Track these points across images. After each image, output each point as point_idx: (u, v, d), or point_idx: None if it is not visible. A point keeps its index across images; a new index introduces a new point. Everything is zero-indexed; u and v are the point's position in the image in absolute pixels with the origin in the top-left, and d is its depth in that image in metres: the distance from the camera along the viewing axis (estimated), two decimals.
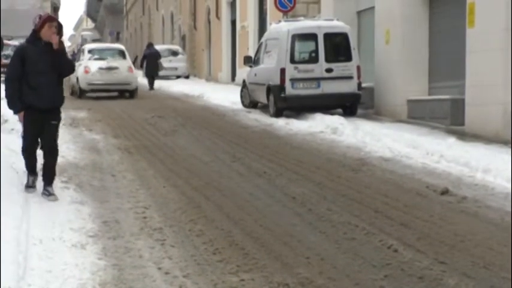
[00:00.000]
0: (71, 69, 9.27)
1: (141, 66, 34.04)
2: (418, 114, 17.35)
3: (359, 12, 22.24)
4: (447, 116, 16.15)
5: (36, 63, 8.70)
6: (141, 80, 31.93)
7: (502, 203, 8.81)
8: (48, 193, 8.87)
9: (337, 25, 19.21)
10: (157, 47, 42.87)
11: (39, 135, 8.89)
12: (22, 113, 8.83)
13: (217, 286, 5.86)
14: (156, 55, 33.51)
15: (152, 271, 6.26)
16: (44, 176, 9.01)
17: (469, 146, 12.76)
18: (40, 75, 8.71)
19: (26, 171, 9.23)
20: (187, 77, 40.48)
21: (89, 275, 6.01)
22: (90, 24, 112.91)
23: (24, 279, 5.63)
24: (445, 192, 9.38)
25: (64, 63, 8.92)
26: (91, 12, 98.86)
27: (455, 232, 7.47)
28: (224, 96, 24.72)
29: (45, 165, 9.03)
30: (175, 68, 40.27)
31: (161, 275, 6.17)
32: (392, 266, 6.38)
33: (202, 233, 7.55)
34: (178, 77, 39.73)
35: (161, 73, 35.12)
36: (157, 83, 32.99)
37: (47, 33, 8.73)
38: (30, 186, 9.13)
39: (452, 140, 13.52)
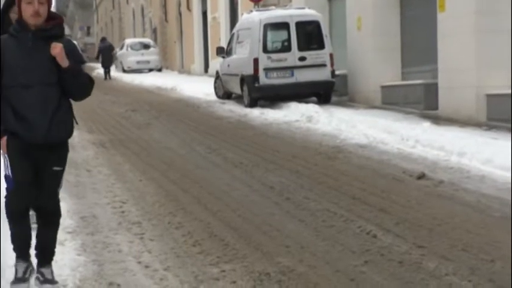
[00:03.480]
0: (87, 88, 5.43)
1: (97, 58, 38.06)
2: (392, 100, 17.41)
3: (330, 0, 22.24)
4: (421, 100, 16.22)
5: (21, 69, 5.22)
6: (101, 71, 36.78)
7: (477, 186, 8.86)
8: (42, 278, 5.49)
9: (309, 13, 19.21)
10: (129, 41, 42.88)
11: (34, 182, 5.31)
12: (4, 139, 5.33)
13: (198, 278, 5.85)
14: (110, 48, 37.39)
15: (132, 265, 6.24)
16: (38, 251, 5.55)
17: (444, 130, 12.82)
18: (27, 91, 5.20)
19: (14, 254, 5.51)
20: (159, 69, 40.36)
21: (69, 271, 5.97)
22: None
23: (5, 277, 5.59)
24: (421, 176, 9.42)
25: (73, 76, 5.27)
26: (60, 7, 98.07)
27: (433, 216, 7.50)
28: (197, 88, 24.67)
29: (40, 236, 5.51)
30: (148, 61, 40.15)
31: (141, 268, 6.15)
32: (372, 251, 6.40)
33: (181, 225, 7.53)
34: (150, 70, 39.62)
35: (134, 66, 37.51)
36: (130, 77, 33.04)
37: (27, 11, 5.23)
38: (20, 280, 5.46)
39: (426, 125, 13.60)
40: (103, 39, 39.69)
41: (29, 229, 5.41)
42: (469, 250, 6.29)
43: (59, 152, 5.39)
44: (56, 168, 5.39)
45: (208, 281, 5.76)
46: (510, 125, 12.76)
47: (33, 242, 5.52)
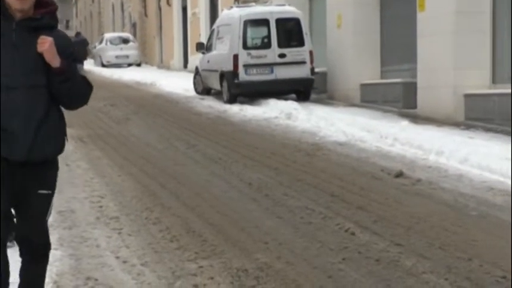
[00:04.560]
0: (83, 94, 4.39)
1: None
2: (371, 98, 17.46)
3: None
4: (399, 99, 16.28)
5: (2, 67, 4.15)
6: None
7: (455, 185, 8.91)
8: None
9: (289, 10, 19.22)
10: (108, 35, 42.78)
11: (15, 208, 4.35)
12: None
13: (176, 273, 5.84)
14: (85, 43, 36.53)
15: (110, 260, 6.22)
16: None
17: (422, 129, 12.89)
18: (8, 95, 4.14)
19: None
20: (139, 64, 40.25)
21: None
22: None
23: None
24: (399, 174, 9.46)
25: (65, 80, 4.22)
26: None
27: (411, 214, 7.54)
28: (177, 84, 24.61)
29: (25, 275, 4.46)
30: (127, 56, 40.04)
31: (119, 263, 6.13)
32: (350, 249, 6.41)
33: (159, 220, 7.51)
34: (129, 64, 39.51)
35: (113, 61, 37.49)
36: (109, 71, 32.96)
37: None
38: None
39: (405, 123, 13.66)
40: (77, 34, 39.70)
41: (6, 265, 4.31)
42: (446, 248, 6.33)
43: (45, 172, 4.28)
44: (42, 191, 4.28)
45: (186, 277, 5.75)
46: (488, 125, 12.85)
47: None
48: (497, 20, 13.89)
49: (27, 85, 4.14)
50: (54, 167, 4.36)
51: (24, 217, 4.32)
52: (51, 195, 4.38)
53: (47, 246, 4.46)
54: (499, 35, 13.88)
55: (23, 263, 4.42)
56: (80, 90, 4.30)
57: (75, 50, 4.42)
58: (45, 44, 4.12)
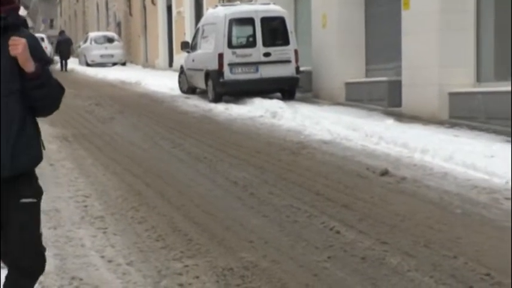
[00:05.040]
0: (56, 99, 3.94)
1: (56, 51, 38.37)
2: (356, 97, 17.49)
3: None
4: (384, 97, 16.31)
5: None
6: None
7: (440, 183, 8.94)
8: None
9: (274, 9, 19.23)
10: (93, 34, 42.67)
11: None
12: None
13: (161, 273, 5.83)
14: (68, 42, 37.97)
15: (95, 260, 6.20)
16: None
17: (407, 127, 12.92)
18: None
19: None
20: (123, 63, 40.15)
21: None
22: (22, 11, 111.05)
23: None
24: (384, 173, 9.48)
25: (41, 85, 3.80)
26: None
27: (396, 212, 7.55)
28: (162, 83, 24.58)
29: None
30: (112, 55, 39.92)
31: (104, 263, 6.11)
32: (335, 247, 6.42)
33: (144, 220, 7.50)
34: (114, 64, 39.40)
35: (98, 60, 37.87)
36: (94, 71, 32.92)
37: None
38: None
39: (390, 122, 13.69)
40: (61, 33, 40.39)
41: None
42: (431, 246, 6.34)
43: (24, 181, 3.85)
44: (24, 200, 3.84)
45: (172, 276, 5.74)
46: (473, 123, 12.90)
47: None
48: (481, 19, 13.95)
49: (1, 93, 3.72)
50: (33, 176, 3.94)
51: (7, 236, 3.83)
52: (37, 204, 3.93)
53: (40, 256, 4.00)
54: (483, 34, 13.94)
55: (9, 279, 3.97)
56: (53, 96, 3.88)
57: (45, 51, 4.00)
58: (19, 47, 3.64)
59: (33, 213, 3.91)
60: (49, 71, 3.84)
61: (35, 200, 3.90)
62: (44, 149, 3.99)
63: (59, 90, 3.91)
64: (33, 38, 3.83)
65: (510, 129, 11.92)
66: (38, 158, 3.90)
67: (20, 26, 3.83)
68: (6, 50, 3.68)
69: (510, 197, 7.99)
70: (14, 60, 3.68)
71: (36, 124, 3.91)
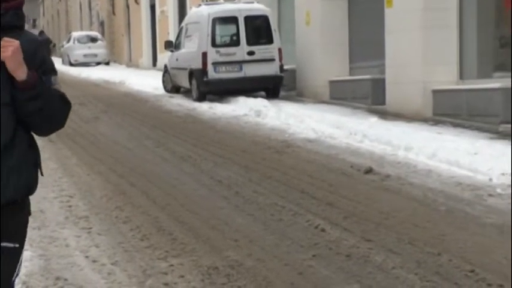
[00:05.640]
0: (59, 115, 3.25)
1: None
2: (340, 95, 17.51)
3: None
4: (368, 95, 16.35)
5: None
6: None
7: (424, 180, 8.97)
8: None
9: (258, 8, 19.23)
10: (76, 34, 42.60)
11: None
12: None
13: (146, 272, 5.82)
14: (48, 41, 37.34)
15: (79, 260, 6.18)
16: None
17: (391, 125, 12.95)
18: None
19: None
20: (107, 63, 40.07)
21: None
22: None
23: None
24: (369, 171, 9.50)
25: (34, 98, 3.13)
26: None
27: (380, 210, 7.57)
28: (146, 82, 24.54)
29: None
30: (95, 55, 39.84)
31: (89, 263, 6.10)
32: (320, 245, 6.43)
33: (129, 219, 7.48)
34: (98, 63, 39.31)
35: (81, 60, 37.49)
36: (77, 70, 32.82)
37: None
38: None
39: (374, 120, 13.71)
40: (41, 33, 40.04)
41: None
42: (415, 243, 6.36)
43: (11, 218, 3.14)
44: (6, 244, 3.11)
45: (157, 275, 5.74)
46: (456, 120, 12.95)
47: None
48: (464, 16, 14.00)
49: None
50: (22, 211, 3.23)
51: None
52: (19, 249, 3.19)
53: None
54: (465, 31, 13.99)
55: None
56: (54, 111, 3.17)
57: (49, 58, 3.31)
58: (8, 50, 3.03)
59: (10, 261, 3.13)
60: (50, 81, 3.18)
61: (17, 245, 3.16)
62: (42, 174, 3.30)
63: (62, 105, 3.21)
64: (33, 42, 3.23)
65: (493, 126, 11.98)
66: (31, 186, 3.18)
67: (20, 28, 3.23)
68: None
69: (494, 194, 8.04)
70: (5, 69, 3.06)
71: (31, 143, 3.22)
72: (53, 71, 3.25)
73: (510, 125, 11.47)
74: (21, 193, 3.17)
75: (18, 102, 3.10)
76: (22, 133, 3.16)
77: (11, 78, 3.07)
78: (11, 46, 3.05)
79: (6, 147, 3.09)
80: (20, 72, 3.07)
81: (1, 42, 3.04)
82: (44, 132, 3.31)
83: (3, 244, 3.10)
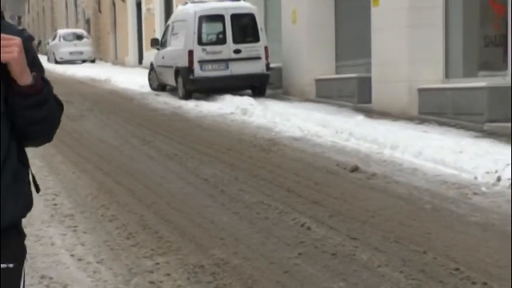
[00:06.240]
0: (55, 122, 2.80)
1: None
2: (326, 93, 17.53)
3: None
4: (354, 94, 16.37)
5: None
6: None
7: (409, 178, 8.99)
8: None
9: (244, 6, 19.23)
10: (62, 31, 42.47)
11: None
12: None
13: (132, 271, 5.81)
14: (30, 39, 38.02)
15: (65, 258, 6.17)
16: None
17: (377, 123, 12.97)
18: None
19: None
20: (93, 61, 39.97)
21: None
22: None
23: None
24: (354, 169, 9.51)
25: (39, 104, 2.65)
26: None
27: (366, 208, 7.59)
28: (132, 80, 24.49)
29: None
30: (81, 52, 39.74)
31: (74, 261, 6.08)
32: (306, 243, 6.44)
33: (114, 218, 7.47)
34: (84, 61, 39.20)
35: (67, 57, 37.64)
36: (63, 68, 32.76)
37: None
38: None
39: (360, 118, 13.73)
40: (23, 30, 40.15)
41: None
42: (401, 242, 6.38)
43: (5, 239, 2.70)
44: (4, 265, 2.68)
45: (142, 274, 5.73)
46: (442, 119, 12.99)
47: None
48: (450, 15, 14.04)
49: None
50: (16, 232, 2.78)
51: None
52: (18, 270, 2.75)
53: None
54: (451, 30, 14.03)
55: None
56: (52, 117, 2.75)
57: (37, 55, 2.80)
58: (13, 49, 2.52)
59: (11, 282, 2.72)
60: (49, 82, 2.73)
61: (15, 265, 2.72)
62: (38, 191, 2.86)
63: (58, 108, 2.81)
64: (22, 36, 2.66)
65: (478, 125, 12.03)
66: (27, 206, 2.76)
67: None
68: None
69: (479, 192, 8.08)
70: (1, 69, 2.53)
71: (25, 159, 2.79)
72: (43, 68, 2.78)
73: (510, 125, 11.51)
74: (21, 212, 2.75)
75: (18, 110, 2.61)
76: (14, 147, 2.70)
77: (8, 81, 2.56)
78: (14, 45, 2.53)
79: (2, 165, 2.62)
80: (25, 75, 2.57)
81: (0, 40, 2.52)
82: (39, 143, 2.88)
83: (2, 265, 2.69)
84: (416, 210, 7.52)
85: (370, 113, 14.54)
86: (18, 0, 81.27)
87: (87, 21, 47.94)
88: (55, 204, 8.09)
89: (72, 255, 6.24)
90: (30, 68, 2.60)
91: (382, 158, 10.24)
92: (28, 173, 2.79)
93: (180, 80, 19.05)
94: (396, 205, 7.74)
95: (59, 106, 2.81)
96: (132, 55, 37.37)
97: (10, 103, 2.59)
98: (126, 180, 9.32)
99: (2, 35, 2.51)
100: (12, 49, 2.51)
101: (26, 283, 2.52)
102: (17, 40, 2.54)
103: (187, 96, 18.70)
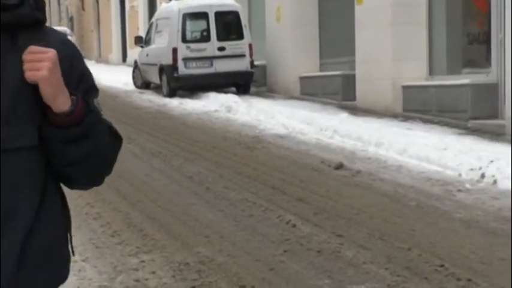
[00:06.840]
0: (110, 158, 2.20)
1: None
2: (311, 91, 17.55)
3: None
4: (339, 91, 16.39)
5: None
6: None
7: (394, 175, 9.01)
8: None
9: (228, 3, 19.21)
10: None
11: None
12: None
13: (117, 268, 5.80)
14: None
15: None
16: None
17: (361, 121, 13.00)
18: None
19: None
20: None
21: None
22: None
23: None
24: (339, 166, 9.53)
25: (81, 138, 1.97)
26: None
27: (351, 205, 7.60)
28: (116, 78, 24.43)
29: None
30: None
31: None
32: (291, 241, 6.44)
33: (99, 215, 7.45)
34: None
35: None
36: None
37: None
38: None
39: (344, 115, 13.75)
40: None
41: None
42: (386, 239, 6.40)
43: None
44: None
45: (128, 272, 5.72)
46: (426, 116, 13.03)
47: None
48: (434, 13, 14.09)
49: None
50: None
51: None
52: None
53: None
54: (435, 28, 14.08)
55: None
56: (104, 153, 2.12)
57: (89, 70, 2.16)
58: (43, 65, 1.89)
59: None
60: (96, 108, 2.11)
61: None
62: (73, 254, 2.27)
63: (113, 143, 2.17)
64: (66, 46, 2.05)
65: (462, 122, 12.08)
66: (64, 274, 2.17)
67: (41, 23, 2.02)
68: (15, 67, 1.91)
69: (463, 189, 8.11)
70: (30, 88, 1.91)
71: (64, 206, 2.15)
72: (96, 89, 2.17)
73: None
74: (59, 280, 2.14)
75: (53, 145, 1.97)
76: (51, 193, 2.04)
77: (43, 108, 1.93)
78: (46, 60, 1.89)
79: (31, 219, 1.97)
80: (61, 99, 1.92)
81: (26, 54, 1.90)
82: (86, 186, 2.25)
83: None
84: (401, 207, 7.54)
85: (354, 111, 14.57)
86: None
87: (71, 19, 47.78)
88: None
89: None
90: (73, 90, 1.97)
91: (367, 156, 10.27)
92: (68, 225, 2.21)
93: (164, 77, 19.01)
94: (381, 202, 7.76)
95: (115, 140, 2.17)
96: (116, 53, 37.27)
97: (45, 135, 1.96)
98: (110, 178, 9.16)
99: (31, 47, 1.90)
100: (42, 65, 1.88)
101: None
102: (50, 53, 1.89)
103: (171, 94, 18.67)
